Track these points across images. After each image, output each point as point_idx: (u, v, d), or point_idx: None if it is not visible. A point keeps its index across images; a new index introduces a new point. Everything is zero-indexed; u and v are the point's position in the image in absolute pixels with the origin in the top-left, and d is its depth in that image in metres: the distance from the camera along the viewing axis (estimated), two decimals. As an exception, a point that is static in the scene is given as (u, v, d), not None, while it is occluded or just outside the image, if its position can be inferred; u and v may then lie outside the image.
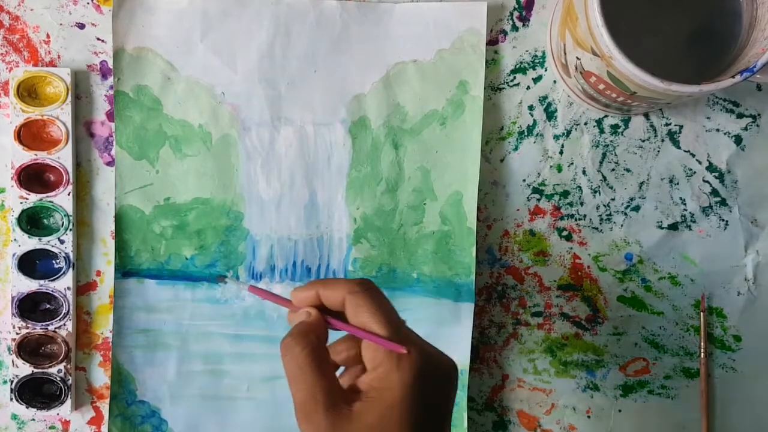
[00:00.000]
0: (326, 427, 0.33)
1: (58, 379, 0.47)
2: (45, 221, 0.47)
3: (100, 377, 0.48)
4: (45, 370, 0.47)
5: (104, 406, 0.48)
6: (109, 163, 0.48)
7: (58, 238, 0.46)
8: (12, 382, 0.47)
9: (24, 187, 0.46)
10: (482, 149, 0.48)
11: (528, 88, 0.48)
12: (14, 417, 0.48)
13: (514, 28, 0.48)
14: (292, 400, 0.34)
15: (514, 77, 0.48)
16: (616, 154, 0.49)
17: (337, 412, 0.33)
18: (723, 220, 0.49)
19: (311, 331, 0.35)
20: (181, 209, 0.48)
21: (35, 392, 0.47)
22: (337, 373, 0.36)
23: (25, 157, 0.46)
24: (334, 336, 0.37)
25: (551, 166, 0.49)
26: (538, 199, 0.49)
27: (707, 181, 0.49)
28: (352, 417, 0.33)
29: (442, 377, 0.35)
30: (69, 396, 0.47)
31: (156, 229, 0.48)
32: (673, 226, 0.49)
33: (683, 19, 0.43)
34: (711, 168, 0.49)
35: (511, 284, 0.49)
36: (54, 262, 0.47)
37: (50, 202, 0.46)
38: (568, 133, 0.49)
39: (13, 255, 0.46)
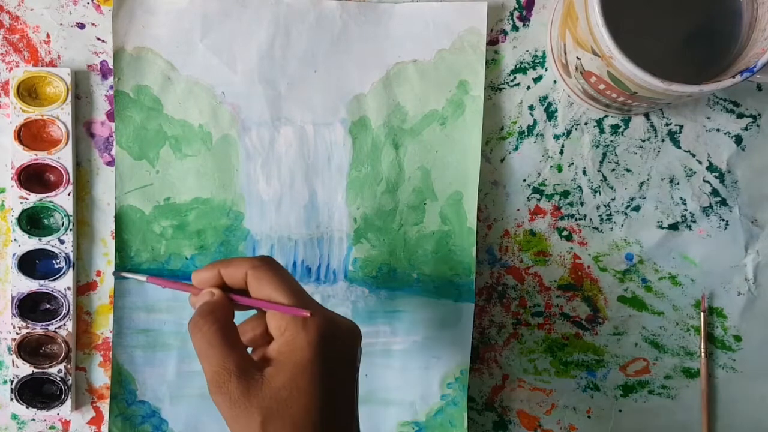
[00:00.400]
0: (239, 393, 0.34)
1: (59, 379, 0.47)
2: (45, 221, 0.47)
3: (100, 377, 0.48)
4: (45, 370, 0.47)
5: (104, 406, 0.48)
6: (109, 163, 0.48)
7: (58, 238, 0.46)
8: (12, 382, 0.47)
9: (24, 187, 0.46)
10: (482, 149, 0.48)
11: (528, 88, 0.48)
12: (14, 417, 0.48)
13: (515, 28, 0.48)
14: (204, 374, 0.35)
15: (515, 77, 0.48)
16: (616, 154, 0.49)
17: (248, 378, 0.34)
18: (723, 220, 0.49)
19: (217, 308, 0.37)
20: (181, 209, 0.48)
21: (35, 392, 0.47)
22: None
23: (25, 157, 0.46)
24: (239, 318, 0.38)
25: (551, 166, 0.49)
26: (539, 199, 0.49)
27: (707, 181, 0.49)
28: (263, 382, 0.34)
29: (345, 336, 0.37)
30: (69, 396, 0.47)
31: (156, 229, 0.48)
32: (674, 226, 0.49)
33: (683, 19, 0.43)
34: (711, 168, 0.49)
35: (512, 284, 0.49)
36: (54, 262, 0.47)
37: (50, 202, 0.46)
38: (569, 133, 0.49)
39: (13, 255, 0.46)
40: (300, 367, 0.34)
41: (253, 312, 0.39)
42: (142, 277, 0.40)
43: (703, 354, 0.49)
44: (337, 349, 0.36)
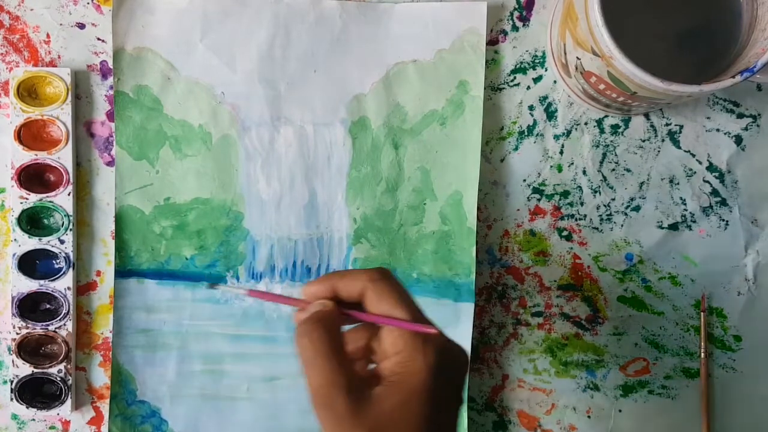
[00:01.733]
0: (346, 411, 0.32)
1: (59, 379, 0.47)
2: (45, 221, 0.47)
3: (100, 377, 0.48)
4: (45, 370, 0.47)
5: (104, 406, 0.48)
6: (109, 163, 0.48)
7: (58, 238, 0.46)
8: (12, 382, 0.47)
9: (24, 187, 0.46)
10: (482, 149, 0.48)
11: (528, 88, 0.48)
12: (14, 417, 0.48)
13: (515, 28, 0.48)
14: (307, 386, 0.33)
15: (515, 77, 0.48)
16: (616, 154, 0.49)
17: (357, 395, 0.32)
18: (723, 220, 0.49)
19: (329, 318, 0.35)
20: (181, 209, 0.48)
21: (35, 392, 0.47)
22: None
23: (25, 157, 0.46)
24: None
25: (551, 166, 0.49)
26: (539, 199, 0.49)
27: (707, 181, 0.49)
28: (373, 401, 0.32)
29: (458, 362, 0.35)
30: (69, 396, 0.47)
31: (156, 229, 0.48)
32: (674, 226, 0.49)
33: (683, 19, 0.43)
34: (711, 168, 0.49)
35: (512, 284, 0.49)
36: (54, 262, 0.47)
37: (50, 202, 0.46)
38: (569, 133, 0.49)
39: (13, 255, 0.46)
40: (413, 392, 0.32)
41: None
42: (243, 291, 0.38)
43: (702, 354, 0.49)
44: (449, 376, 0.34)
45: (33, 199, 0.46)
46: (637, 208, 0.49)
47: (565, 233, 0.49)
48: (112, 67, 0.47)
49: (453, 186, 0.48)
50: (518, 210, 0.49)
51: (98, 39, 0.47)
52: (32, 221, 0.47)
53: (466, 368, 0.35)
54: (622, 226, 0.49)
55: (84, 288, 0.48)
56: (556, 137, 0.49)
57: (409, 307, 0.34)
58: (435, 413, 0.33)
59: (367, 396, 0.32)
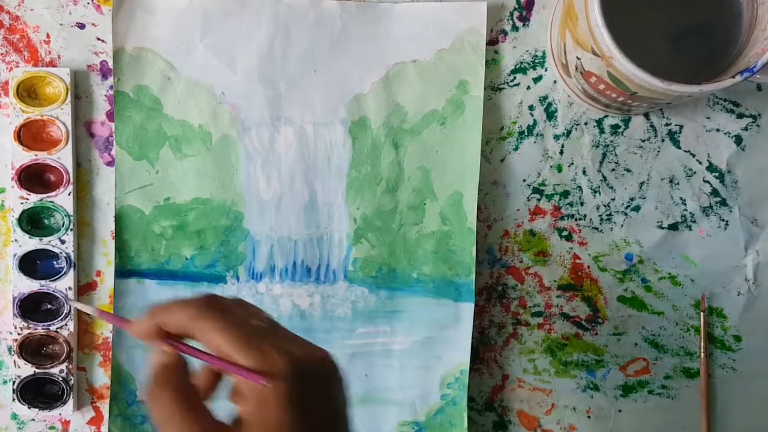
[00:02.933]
0: None
1: (60, 379, 0.47)
2: (45, 221, 0.47)
3: (101, 377, 0.48)
4: (47, 371, 0.47)
5: (104, 406, 0.48)
6: (109, 163, 0.48)
7: (59, 239, 0.47)
8: (14, 382, 0.47)
9: (24, 187, 0.46)
10: (482, 149, 0.48)
11: (528, 88, 0.48)
12: (14, 417, 0.48)
13: (514, 28, 0.48)
14: None
15: (514, 77, 0.48)
16: (616, 154, 0.49)
17: None
18: (723, 220, 0.49)
19: (172, 371, 0.32)
20: (181, 209, 0.48)
21: (37, 393, 0.47)
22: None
23: (25, 157, 0.46)
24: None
25: (551, 166, 0.49)
26: (539, 199, 0.49)
27: (707, 181, 0.49)
28: None
29: (320, 375, 0.32)
30: (71, 396, 0.47)
31: (156, 229, 0.48)
32: (674, 226, 0.49)
33: (683, 19, 0.43)
34: (711, 168, 0.49)
35: (511, 284, 0.49)
36: (55, 262, 0.47)
37: (51, 202, 0.46)
38: (569, 133, 0.49)
39: (14, 255, 0.46)
40: (274, 427, 0.30)
41: None
42: (91, 309, 0.36)
43: (702, 354, 0.49)
44: (313, 392, 0.32)
45: (33, 199, 0.46)
46: (637, 208, 0.49)
47: (565, 233, 0.49)
48: (112, 67, 0.47)
49: (453, 186, 0.48)
50: (518, 210, 0.49)
51: (98, 39, 0.47)
52: (33, 221, 0.47)
53: (334, 375, 0.33)
54: (622, 226, 0.49)
55: (84, 288, 0.48)
56: (556, 137, 0.49)
57: (243, 341, 0.31)
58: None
59: None
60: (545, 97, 0.48)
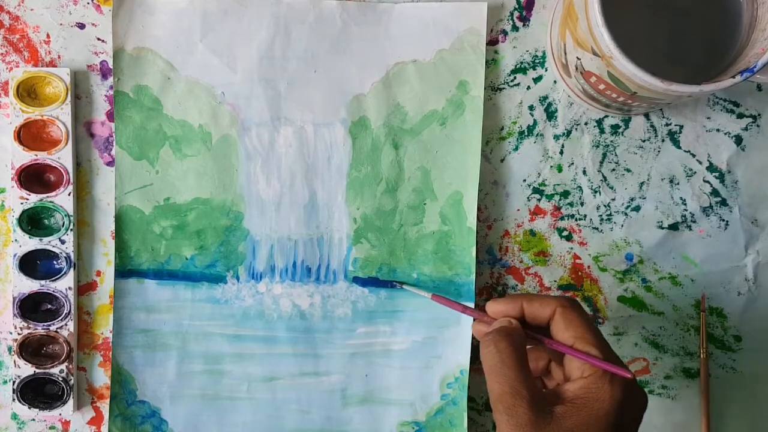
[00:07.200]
0: (528, 421, 0.33)
1: (60, 379, 0.47)
2: (45, 221, 0.47)
3: (101, 377, 0.48)
4: (47, 371, 0.47)
5: (104, 406, 0.48)
6: (109, 163, 0.48)
7: (59, 239, 0.47)
8: (14, 382, 0.47)
9: (24, 187, 0.46)
10: (482, 149, 0.48)
11: (528, 88, 0.48)
12: (14, 417, 0.48)
13: (515, 28, 0.48)
14: (489, 392, 0.35)
15: (515, 77, 0.48)
16: (616, 154, 0.49)
17: (539, 409, 0.33)
18: (723, 220, 0.49)
19: (515, 335, 0.36)
20: (181, 209, 0.48)
21: (37, 393, 0.47)
22: None
23: (25, 157, 0.46)
24: None
25: (551, 166, 0.49)
26: (539, 199, 0.49)
27: (707, 181, 0.49)
28: (554, 418, 0.33)
29: (639, 402, 0.36)
30: (71, 396, 0.47)
31: (156, 229, 0.48)
32: (674, 226, 0.49)
33: (683, 19, 0.43)
34: (711, 168, 0.49)
35: (512, 284, 0.49)
36: (55, 262, 0.47)
37: (51, 202, 0.46)
38: (569, 133, 0.49)
39: (14, 255, 0.46)
40: (596, 418, 0.33)
41: None
42: (426, 294, 0.40)
43: (702, 354, 0.49)
44: (629, 413, 0.35)
45: (33, 199, 0.46)
46: (637, 208, 0.49)
47: (565, 233, 0.49)
48: (112, 67, 0.47)
49: (453, 186, 0.48)
50: (518, 210, 0.49)
51: (98, 39, 0.47)
52: (33, 221, 0.47)
53: (644, 409, 0.36)
54: (622, 226, 0.49)
55: (84, 288, 0.48)
56: (556, 137, 0.49)
57: (600, 341, 0.35)
58: None
59: (548, 412, 0.33)
60: (545, 97, 0.48)
